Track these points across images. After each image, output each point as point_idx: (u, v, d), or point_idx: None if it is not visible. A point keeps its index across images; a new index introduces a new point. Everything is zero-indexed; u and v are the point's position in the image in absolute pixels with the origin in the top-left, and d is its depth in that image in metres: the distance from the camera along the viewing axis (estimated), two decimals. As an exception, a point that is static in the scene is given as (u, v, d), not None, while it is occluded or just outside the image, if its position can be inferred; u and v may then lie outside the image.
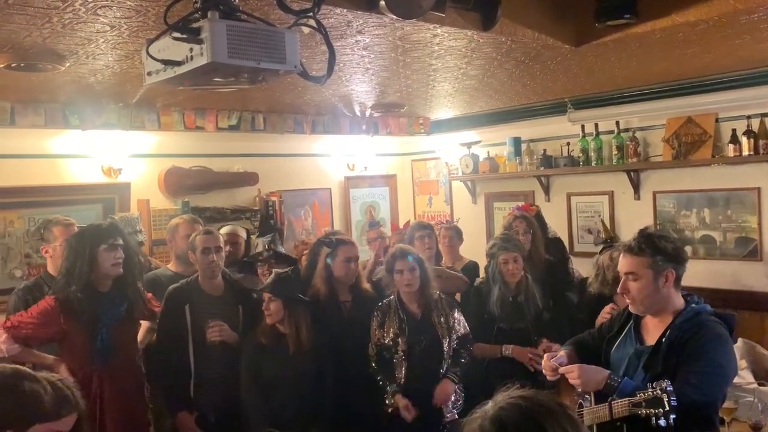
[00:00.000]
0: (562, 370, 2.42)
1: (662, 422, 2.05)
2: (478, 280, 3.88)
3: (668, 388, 2.08)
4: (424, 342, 3.33)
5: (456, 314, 3.42)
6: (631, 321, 2.49)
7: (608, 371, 2.32)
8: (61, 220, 3.60)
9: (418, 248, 3.97)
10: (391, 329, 3.36)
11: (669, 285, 2.33)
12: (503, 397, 1.29)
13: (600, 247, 3.92)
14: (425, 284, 3.39)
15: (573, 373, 2.35)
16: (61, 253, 3.38)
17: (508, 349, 3.56)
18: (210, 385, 3.32)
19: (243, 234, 4.32)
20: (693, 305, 2.36)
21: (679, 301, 2.37)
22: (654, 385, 2.11)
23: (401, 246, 3.62)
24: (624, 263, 2.37)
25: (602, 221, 5.02)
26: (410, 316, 3.38)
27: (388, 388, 3.33)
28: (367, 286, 3.66)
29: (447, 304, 3.42)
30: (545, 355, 2.59)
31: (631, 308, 2.43)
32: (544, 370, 2.55)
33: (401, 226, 4.93)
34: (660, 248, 2.33)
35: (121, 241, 3.12)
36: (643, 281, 2.32)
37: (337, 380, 3.32)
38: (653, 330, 2.40)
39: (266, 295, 3.23)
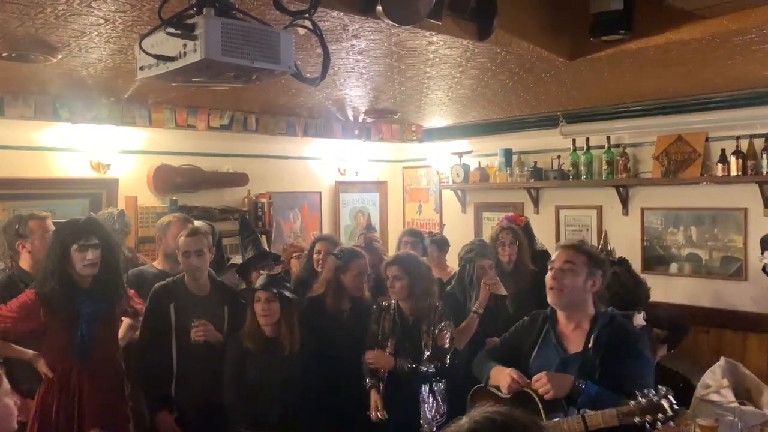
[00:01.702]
0: (536, 378, 2.41)
1: (670, 423, 2.19)
2: (449, 288, 3.84)
3: (669, 395, 2.16)
4: (408, 350, 3.31)
5: (443, 325, 3.37)
6: (547, 330, 2.59)
7: (572, 376, 2.37)
8: (36, 214, 3.51)
9: None
10: (385, 330, 3.35)
11: (593, 289, 2.53)
12: (478, 412, 1.31)
13: None
14: (416, 294, 3.33)
15: (542, 380, 2.38)
16: (38, 247, 3.34)
17: (476, 305, 3.56)
18: (191, 385, 3.28)
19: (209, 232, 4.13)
20: (602, 310, 2.55)
21: (592, 308, 2.55)
22: (645, 392, 2.19)
23: (398, 253, 3.60)
24: (565, 254, 2.55)
25: (605, 233, 4.93)
26: (404, 321, 3.37)
27: (367, 379, 3.31)
28: (367, 294, 3.63)
29: (439, 317, 3.37)
30: (508, 372, 2.56)
31: (554, 299, 2.53)
32: (503, 387, 2.53)
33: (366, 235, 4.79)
34: (596, 255, 2.61)
35: (95, 241, 3.04)
36: (579, 277, 2.50)
37: (328, 387, 3.30)
38: (574, 337, 2.52)
39: (263, 296, 3.20)
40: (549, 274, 2.56)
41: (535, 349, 2.59)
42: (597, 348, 2.42)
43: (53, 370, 3.00)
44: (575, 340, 2.51)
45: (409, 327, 3.36)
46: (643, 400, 2.16)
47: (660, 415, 2.12)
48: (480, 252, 3.70)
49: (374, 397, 3.26)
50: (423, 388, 3.28)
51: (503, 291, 3.62)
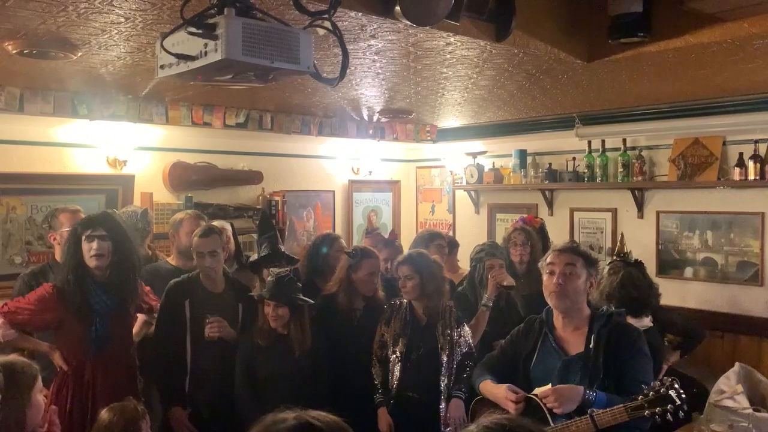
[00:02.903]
0: (540, 393, 2.39)
1: (681, 415, 2.17)
2: (460, 288, 3.86)
3: (675, 384, 2.18)
4: (422, 349, 3.30)
5: (462, 330, 3.36)
6: (545, 334, 2.58)
7: (581, 387, 2.34)
8: (68, 207, 3.63)
9: None
10: (395, 329, 3.36)
11: (591, 289, 2.58)
12: (488, 419, 1.34)
13: (609, 259, 3.92)
14: (429, 293, 3.34)
15: (550, 397, 2.35)
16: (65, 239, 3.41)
17: (485, 299, 3.59)
18: (205, 381, 3.31)
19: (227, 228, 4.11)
20: (597, 309, 2.57)
21: (587, 308, 2.58)
22: (652, 385, 2.21)
23: (409, 252, 3.63)
24: (565, 257, 2.55)
25: (621, 235, 4.93)
26: (416, 321, 3.37)
27: (376, 395, 3.32)
28: (381, 294, 3.63)
29: (454, 318, 3.37)
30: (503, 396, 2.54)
31: (558, 302, 2.52)
32: (505, 404, 2.51)
33: (390, 233, 4.88)
34: (591, 255, 2.63)
35: (102, 232, 3.07)
36: (580, 279, 2.52)
37: (340, 386, 3.31)
38: (573, 339, 2.53)
39: (272, 302, 3.20)
40: (550, 278, 2.55)
41: (535, 356, 2.58)
42: (598, 347, 2.43)
43: (68, 363, 3.04)
44: (575, 342, 2.52)
45: (423, 328, 3.35)
46: (651, 392, 2.18)
47: (669, 406, 2.13)
48: (490, 252, 3.73)
49: (384, 418, 3.27)
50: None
51: (510, 281, 3.62)
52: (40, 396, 2.25)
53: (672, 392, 2.15)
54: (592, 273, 2.57)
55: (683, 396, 2.16)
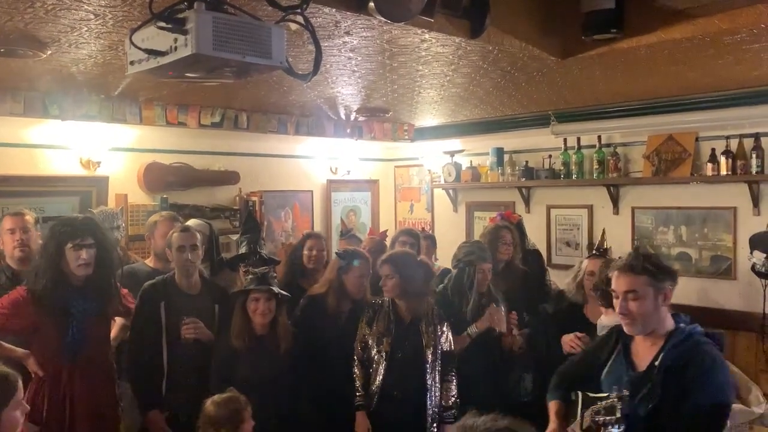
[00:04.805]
0: None
1: (615, 429, 2.10)
2: (441, 287, 3.80)
3: (626, 400, 2.12)
4: (407, 348, 3.30)
5: (444, 328, 3.38)
6: (620, 345, 2.42)
7: None
8: (13, 210, 3.56)
9: None
10: (379, 329, 3.35)
11: (666, 303, 2.29)
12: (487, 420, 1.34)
13: (587, 253, 3.95)
14: (409, 293, 3.34)
15: None
16: (5, 242, 3.35)
17: (474, 328, 3.59)
18: (182, 383, 3.27)
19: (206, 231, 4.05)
20: (682, 325, 2.31)
21: (669, 321, 2.32)
22: (616, 393, 2.16)
23: (393, 251, 3.65)
24: (624, 282, 2.29)
25: (603, 231, 4.98)
26: (399, 320, 3.36)
27: (356, 395, 3.31)
28: (369, 297, 3.60)
29: (437, 316, 3.38)
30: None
31: (629, 329, 2.32)
32: None
33: (380, 233, 4.91)
34: (660, 265, 2.33)
35: (90, 241, 3.03)
36: (646, 300, 2.26)
37: (322, 388, 3.30)
38: (644, 353, 2.33)
39: (263, 295, 3.19)
40: (616, 302, 2.34)
41: (607, 365, 2.44)
42: (664, 368, 2.21)
43: (44, 369, 2.98)
44: (646, 357, 2.32)
45: (407, 326, 3.35)
46: (609, 400, 2.15)
47: (611, 417, 2.12)
48: (480, 255, 3.68)
49: (362, 423, 3.26)
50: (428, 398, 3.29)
51: (504, 328, 3.67)
52: (17, 412, 2.05)
53: (619, 405, 2.11)
54: (662, 286, 2.27)
55: (626, 413, 2.12)
